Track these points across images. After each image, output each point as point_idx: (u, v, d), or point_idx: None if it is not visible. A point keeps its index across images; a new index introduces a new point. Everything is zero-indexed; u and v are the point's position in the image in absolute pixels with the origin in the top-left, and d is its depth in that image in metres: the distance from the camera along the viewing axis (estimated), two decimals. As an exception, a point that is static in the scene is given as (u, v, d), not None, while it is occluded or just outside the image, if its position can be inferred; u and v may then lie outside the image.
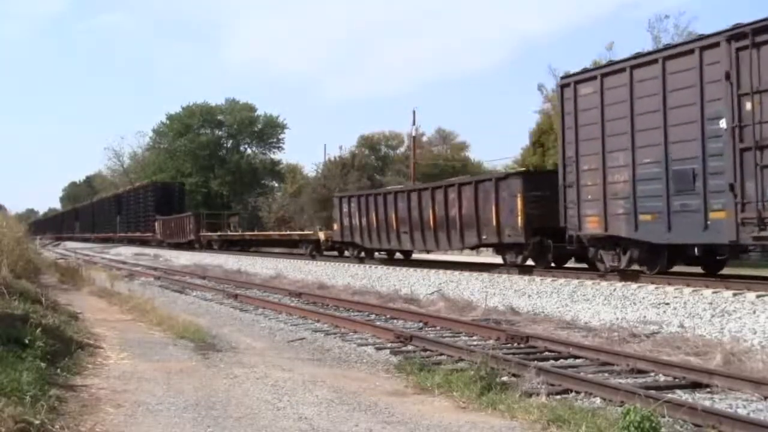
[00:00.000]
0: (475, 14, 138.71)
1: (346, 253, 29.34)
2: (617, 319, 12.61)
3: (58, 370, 7.74)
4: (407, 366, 8.71)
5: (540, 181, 18.70)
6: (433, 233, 22.10)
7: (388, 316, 14.49)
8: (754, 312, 11.38)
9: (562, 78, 17.20)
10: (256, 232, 45.15)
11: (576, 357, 9.64)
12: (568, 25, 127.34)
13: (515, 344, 10.68)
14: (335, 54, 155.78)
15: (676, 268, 16.11)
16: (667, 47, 14.79)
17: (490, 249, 22.95)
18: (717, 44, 13.01)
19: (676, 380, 8.14)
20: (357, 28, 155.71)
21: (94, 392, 7.23)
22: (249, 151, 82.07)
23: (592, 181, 15.81)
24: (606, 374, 8.61)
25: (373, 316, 14.53)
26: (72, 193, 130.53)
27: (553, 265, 18.86)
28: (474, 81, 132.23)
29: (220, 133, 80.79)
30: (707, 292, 12.96)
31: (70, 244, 72.91)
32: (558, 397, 7.34)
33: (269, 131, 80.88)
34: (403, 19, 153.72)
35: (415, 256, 27.47)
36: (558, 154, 17.64)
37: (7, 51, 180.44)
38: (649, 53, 15.03)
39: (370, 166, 63.50)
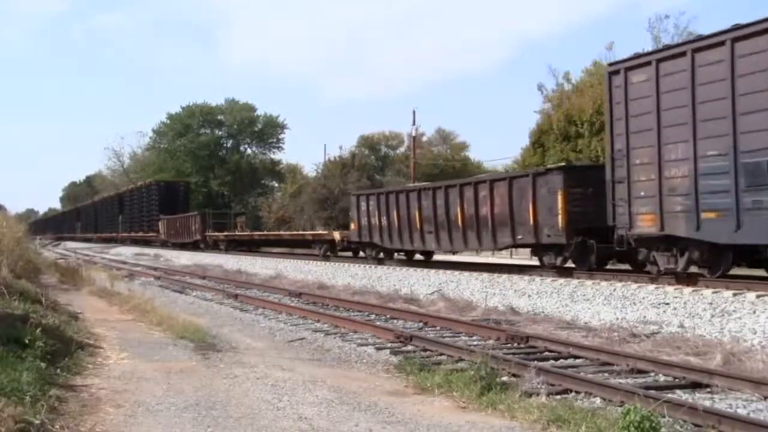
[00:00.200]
0: (475, 14, 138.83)
1: (361, 253, 28.31)
2: (617, 319, 12.61)
3: (58, 370, 7.75)
4: (407, 366, 8.71)
5: (582, 176, 17.37)
6: (461, 233, 20.81)
7: (388, 316, 14.49)
8: (754, 312, 11.38)
9: (611, 65, 15.82)
10: (265, 232, 44.20)
11: (576, 357, 9.64)
12: (568, 25, 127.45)
13: (515, 344, 10.67)
14: (335, 54, 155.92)
15: (737, 270, 15.10)
16: (736, 27, 13.01)
17: (516, 249, 22.33)
18: None
19: (676, 380, 8.14)
20: (357, 28, 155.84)
21: (94, 392, 7.23)
22: (249, 151, 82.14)
23: (646, 176, 14.53)
24: (606, 374, 8.61)
25: (373, 316, 14.53)
26: (72, 193, 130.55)
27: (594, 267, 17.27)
28: (474, 81, 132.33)
29: (220, 133, 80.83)
30: (707, 292, 12.95)
31: (70, 244, 72.92)
32: (558, 397, 7.33)
33: (269, 131, 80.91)
34: (403, 19, 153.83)
35: (436, 256, 26.31)
36: (606, 148, 16.18)
37: (7, 51, 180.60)
38: (715, 34, 13.38)
39: (370, 166, 63.50)
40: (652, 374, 8.56)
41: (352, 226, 27.50)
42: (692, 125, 13.49)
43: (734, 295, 12.42)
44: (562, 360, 9.57)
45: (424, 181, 34.15)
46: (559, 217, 16.99)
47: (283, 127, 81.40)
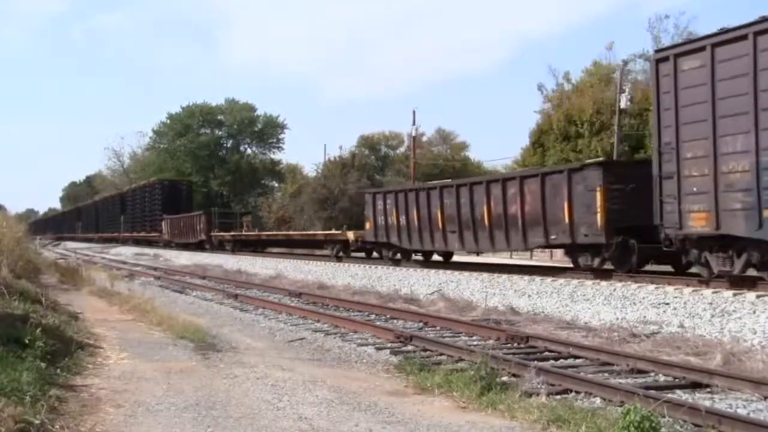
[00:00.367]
0: (475, 14, 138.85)
1: (374, 254, 27.42)
2: (617, 319, 12.61)
3: (58, 370, 7.74)
4: (407, 366, 8.71)
5: (622, 172, 16.42)
6: (488, 233, 19.66)
7: (388, 316, 14.49)
8: (754, 312, 11.38)
9: (658, 51, 14.50)
10: (274, 232, 43.16)
11: (576, 357, 9.64)
12: (568, 25, 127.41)
13: (515, 344, 10.68)
14: (335, 54, 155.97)
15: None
16: None
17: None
18: None
19: (676, 380, 8.14)
20: (357, 28, 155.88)
21: (94, 392, 7.23)
22: (249, 151, 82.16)
23: (699, 171, 13.45)
24: (606, 374, 8.61)
25: (373, 316, 14.53)
26: (72, 193, 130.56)
27: (634, 268, 16.19)
28: (474, 81, 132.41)
29: (220, 133, 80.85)
30: (707, 292, 12.96)
31: (70, 244, 72.90)
32: (558, 397, 7.34)
33: (269, 131, 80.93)
34: (403, 19, 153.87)
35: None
36: (653, 141, 15.04)
37: (7, 51, 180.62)
38: None
39: (370, 166, 63.54)
40: (652, 374, 8.56)
41: (367, 225, 26.27)
42: (754, 115, 12.37)
43: (734, 295, 12.42)
44: (562, 360, 9.57)
45: (424, 182, 33.95)
46: (598, 215, 16.00)
47: (283, 127, 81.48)
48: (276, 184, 78.10)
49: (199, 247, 45.60)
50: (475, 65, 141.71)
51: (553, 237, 17.69)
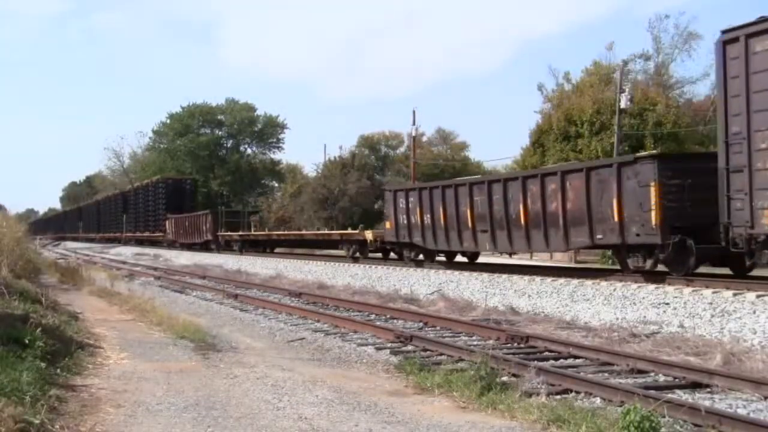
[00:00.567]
0: (475, 15, 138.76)
1: (393, 255, 26.21)
2: (617, 319, 12.61)
3: (58, 370, 7.74)
4: (407, 366, 8.71)
5: (678, 166, 15.03)
6: (523, 232, 18.29)
7: (388, 316, 14.49)
8: (754, 312, 11.38)
9: (726, 31, 13.16)
10: (285, 232, 42.26)
11: (576, 357, 9.64)
12: (568, 26, 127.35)
13: (515, 344, 10.68)
14: (335, 54, 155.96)
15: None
16: None
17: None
18: None
19: (676, 380, 8.14)
20: (357, 28, 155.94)
21: (94, 392, 7.23)
22: (249, 151, 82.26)
23: None
24: (606, 374, 8.61)
25: (373, 316, 14.53)
26: (72, 193, 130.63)
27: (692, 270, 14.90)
28: (474, 81, 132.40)
29: (220, 133, 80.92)
30: (707, 292, 12.95)
31: (70, 244, 72.91)
32: (558, 397, 7.34)
33: (269, 131, 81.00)
34: (403, 19, 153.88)
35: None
36: (718, 132, 13.90)
37: (7, 51, 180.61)
38: None
39: (370, 166, 63.54)
40: (652, 374, 8.56)
41: (387, 225, 24.78)
42: None
43: (734, 295, 12.42)
44: (562, 360, 9.57)
45: (424, 182, 33.75)
46: (653, 213, 14.66)
47: (283, 127, 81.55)
48: (276, 184, 78.19)
49: (204, 247, 44.71)
50: (476, 65, 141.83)
51: (599, 237, 16.26)
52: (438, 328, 12.87)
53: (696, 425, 6.22)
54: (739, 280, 13.90)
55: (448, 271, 20.56)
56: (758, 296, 12.08)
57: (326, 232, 37.26)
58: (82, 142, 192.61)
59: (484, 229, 19.82)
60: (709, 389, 7.72)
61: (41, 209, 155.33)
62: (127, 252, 52.93)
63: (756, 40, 12.45)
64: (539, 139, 41.75)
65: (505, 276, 18.30)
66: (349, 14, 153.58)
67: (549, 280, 16.74)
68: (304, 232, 40.66)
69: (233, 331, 12.63)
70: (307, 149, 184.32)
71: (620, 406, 6.60)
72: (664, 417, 6.21)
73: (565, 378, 7.98)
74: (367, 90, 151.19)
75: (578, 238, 16.90)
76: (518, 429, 6.23)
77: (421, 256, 23.62)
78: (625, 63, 40.98)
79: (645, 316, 12.45)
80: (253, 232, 41.61)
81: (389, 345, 10.98)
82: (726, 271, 15.59)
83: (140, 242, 61.91)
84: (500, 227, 19.15)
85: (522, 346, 10.57)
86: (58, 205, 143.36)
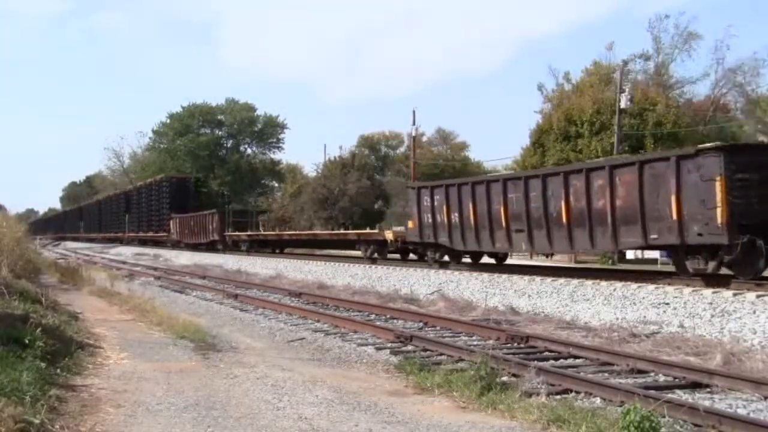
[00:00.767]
0: (475, 15, 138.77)
1: (412, 255, 25.06)
2: (617, 319, 12.61)
3: (58, 370, 7.74)
4: (407, 366, 8.71)
5: (749, 159, 13.73)
6: (565, 232, 16.86)
7: (388, 316, 14.49)
8: (754, 312, 11.39)
9: None
10: (297, 232, 41.37)
11: (576, 357, 9.65)
12: (568, 26, 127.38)
13: (515, 344, 10.68)
14: (335, 54, 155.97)
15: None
16: None
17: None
18: None
19: (676, 380, 8.15)
20: (357, 28, 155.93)
21: (94, 392, 7.23)
22: (249, 151, 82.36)
23: None
24: (606, 374, 8.61)
25: (373, 316, 14.53)
26: (72, 193, 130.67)
27: (761, 274, 13.86)
28: (474, 81, 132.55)
29: (220, 133, 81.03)
30: (707, 292, 12.95)
31: (70, 244, 72.88)
32: (558, 397, 7.34)
33: (269, 131, 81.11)
34: (403, 19, 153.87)
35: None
36: None
37: (7, 51, 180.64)
38: None
39: (370, 166, 63.59)
40: (652, 374, 8.57)
41: (410, 224, 23.29)
42: None
43: (734, 295, 12.42)
44: (562, 360, 9.58)
45: (424, 182, 33.52)
46: (718, 210, 13.32)
47: (283, 127, 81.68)
48: (276, 184, 78.25)
49: (210, 247, 43.76)
50: (476, 65, 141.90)
51: (653, 236, 14.87)
52: (438, 328, 12.87)
53: (696, 425, 6.22)
54: (740, 281, 13.84)
55: (448, 272, 20.56)
56: (758, 296, 12.08)
57: (342, 231, 36.39)
58: (82, 142, 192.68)
59: (519, 229, 18.47)
60: (709, 389, 7.73)
61: (41, 209, 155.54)
62: (127, 252, 52.91)
63: None
64: (539, 139, 41.79)
65: (505, 276, 18.30)
66: (349, 14, 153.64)
67: (549, 280, 16.74)
68: (318, 232, 39.55)
69: (233, 331, 12.63)
70: (307, 149, 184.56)
71: (620, 406, 6.61)
72: (664, 417, 6.21)
73: (565, 378, 7.98)
74: (367, 90, 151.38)
75: (629, 238, 15.52)
76: (518, 429, 6.23)
77: (446, 258, 22.34)
78: (625, 63, 41.04)
79: (645, 316, 12.45)
80: (261, 232, 40.85)
81: (389, 345, 10.99)
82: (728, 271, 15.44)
83: (143, 242, 60.85)
84: (538, 226, 17.80)
85: (522, 346, 10.57)
86: (58, 205, 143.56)
